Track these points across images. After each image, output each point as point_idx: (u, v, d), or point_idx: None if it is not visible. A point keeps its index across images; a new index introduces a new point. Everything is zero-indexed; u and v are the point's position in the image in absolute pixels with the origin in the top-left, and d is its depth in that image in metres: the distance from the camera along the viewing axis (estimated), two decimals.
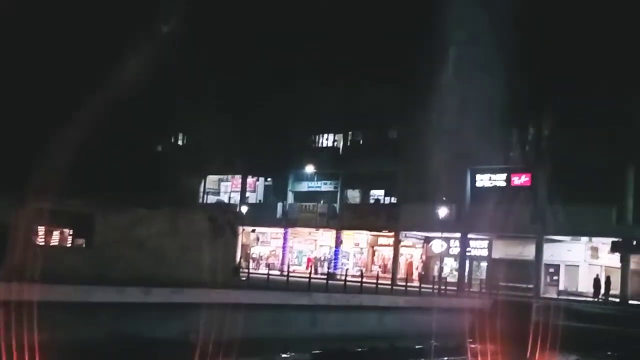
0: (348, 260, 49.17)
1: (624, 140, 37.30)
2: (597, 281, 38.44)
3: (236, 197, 53.49)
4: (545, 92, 39.08)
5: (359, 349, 23.84)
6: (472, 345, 21.79)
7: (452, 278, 41.73)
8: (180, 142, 57.35)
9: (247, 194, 53.87)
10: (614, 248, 38.07)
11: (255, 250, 53.31)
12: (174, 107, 45.42)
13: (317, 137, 52.89)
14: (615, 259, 38.44)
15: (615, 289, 37.73)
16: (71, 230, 26.65)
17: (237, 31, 45.33)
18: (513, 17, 34.39)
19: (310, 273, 34.52)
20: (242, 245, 48.37)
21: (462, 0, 38.79)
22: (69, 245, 27.09)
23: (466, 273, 43.26)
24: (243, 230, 46.37)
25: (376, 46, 43.61)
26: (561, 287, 40.36)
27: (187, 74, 42.32)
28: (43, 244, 26.15)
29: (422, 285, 35.10)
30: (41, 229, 26.46)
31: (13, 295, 17.59)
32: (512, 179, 41.66)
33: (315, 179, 51.02)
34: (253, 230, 51.98)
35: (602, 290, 38.06)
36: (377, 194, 49.27)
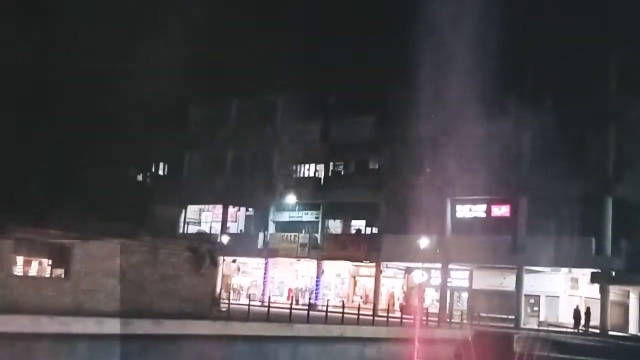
0: (329, 290, 49.02)
1: (602, 171, 37.77)
2: (577, 312, 38.57)
3: (217, 227, 53.28)
4: (523, 122, 39.59)
5: None
6: None
7: (434, 309, 41.68)
8: (161, 172, 57.21)
9: (228, 224, 53.69)
10: (594, 279, 38.30)
11: (236, 281, 52.97)
12: (155, 137, 45.34)
13: (298, 167, 53.01)
14: (595, 290, 38.65)
15: (596, 320, 37.86)
16: (50, 261, 26.31)
17: (219, 63, 45.52)
18: (491, 46, 34.81)
19: (291, 304, 34.31)
20: (223, 276, 48.08)
21: (440, 30, 39.23)
22: (47, 275, 26.73)
23: (447, 304, 43.25)
24: (224, 260, 46.16)
25: (355, 77, 43.96)
26: (542, 318, 40.44)
27: (168, 103, 42.39)
28: (21, 274, 25.84)
29: (404, 316, 35.03)
30: (19, 259, 26.14)
31: None
32: (492, 209, 41.97)
33: (297, 209, 51.01)
34: (234, 261, 51.68)
35: (583, 321, 38.17)
36: (359, 224, 49.31)
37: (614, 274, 37.78)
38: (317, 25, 47.63)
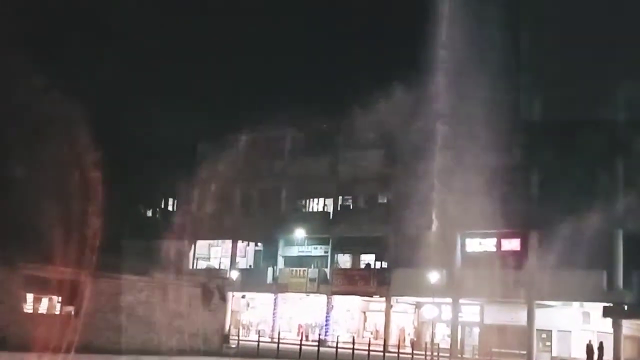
0: (339, 326, 48.66)
1: (612, 204, 37.62)
2: (589, 347, 38.12)
3: (226, 263, 53.21)
4: (533, 155, 39.63)
5: None
6: None
7: (445, 344, 41.30)
8: (170, 208, 57.36)
9: (238, 259, 53.60)
10: (606, 313, 37.92)
11: (245, 317, 52.72)
12: (165, 173, 45.61)
13: (307, 201, 53.05)
14: (607, 324, 38.25)
15: (609, 355, 37.42)
16: (60, 298, 26.34)
17: (229, 99, 45.94)
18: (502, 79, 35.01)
19: (301, 340, 34.11)
20: (232, 312, 47.91)
21: (449, 64, 39.53)
22: (57, 312, 26.73)
23: (458, 339, 42.86)
24: (233, 296, 46.04)
25: (363, 111, 44.20)
26: (554, 353, 40.01)
27: (178, 141, 42.71)
28: (31, 311, 25.86)
29: (415, 352, 34.74)
30: (30, 296, 26.19)
31: None
32: (502, 243, 41.77)
33: (306, 243, 50.91)
34: (243, 296, 51.54)
35: (595, 356, 37.73)
36: (368, 258, 49.13)
37: (626, 307, 37.42)
38: (325, 60, 48.09)
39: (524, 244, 40.65)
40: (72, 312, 25.41)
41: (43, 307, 26.87)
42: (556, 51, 37.37)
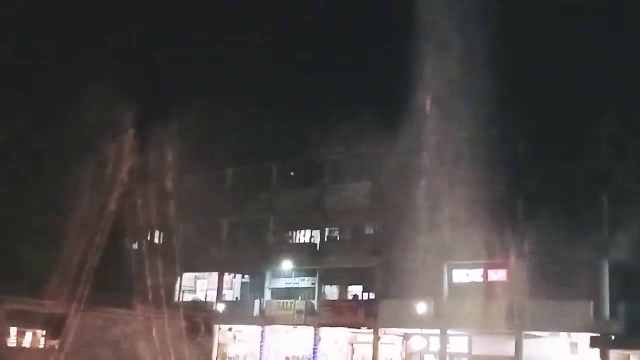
0: (327, 358, 48.35)
1: (597, 234, 37.85)
2: None
3: (213, 295, 52.90)
4: (517, 187, 39.89)
5: None
6: None
7: None
8: (157, 241, 57.08)
9: (224, 292, 53.30)
10: (593, 344, 37.90)
11: (232, 350, 52.29)
12: (151, 206, 45.42)
13: (294, 233, 53.02)
14: (595, 355, 38.21)
15: None
16: (44, 332, 26.13)
17: (213, 132, 46.00)
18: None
19: None
20: (219, 345, 47.56)
21: (431, 94, 39.86)
22: (41, 346, 26.49)
23: None
24: (220, 329, 45.73)
25: (349, 144, 44.46)
26: None
27: (163, 172, 42.68)
28: (15, 345, 25.61)
29: None
30: (13, 330, 25.96)
31: None
32: (489, 274, 41.80)
33: (293, 275, 50.75)
34: (230, 329, 51.17)
35: None
36: (356, 290, 49.01)
37: (613, 338, 37.41)
38: (311, 92, 48.46)
39: (510, 275, 40.68)
40: (56, 346, 25.21)
41: (27, 341, 26.65)
42: (541, 82, 37.90)
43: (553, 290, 35.82)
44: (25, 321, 24.67)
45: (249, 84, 48.54)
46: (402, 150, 40.56)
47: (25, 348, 26.33)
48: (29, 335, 27.60)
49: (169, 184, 45.65)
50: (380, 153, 43.70)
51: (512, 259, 39.90)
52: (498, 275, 41.47)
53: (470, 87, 34.82)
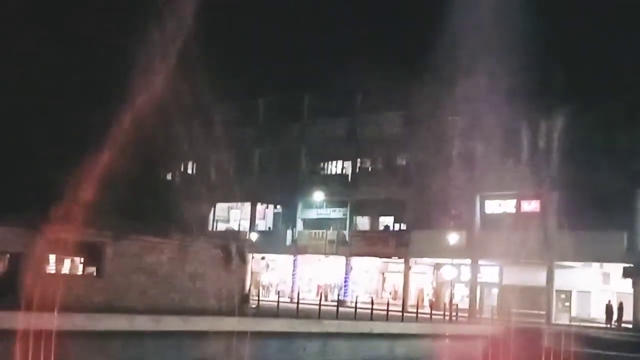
0: (358, 286, 49.01)
1: (633, 164, 37.28)
2: (609, 307, 38.15)
3: (246, 225, 53.57)
4: (553, 116, 39.21)
5: None
6: None
7: (463, 305, 41.50)
8: (190, 170, 57.57)
9: (257, 222, 53.94)
10: (626, 274, 37.82)
11: (265, 278, 53.24)
12: (184, 136, 45.64)
13: (325, 164, 53.07)
14: (627, 285, 38.18)
15: (628, 315, 37.43)
16: (82, 259, 26.70)
17: (245, 61, 45.72)
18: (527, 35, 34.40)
19: (320, 300, 34.39)
20: (252, 273, 48.35)
21: (467, 22, 38.93)
22: (79, 273, 27.13)
23: (477, 300, 43.03)
24: (253, 257, 46.37)
25: (383, 73, 43.84)
26: (573, 314, 40.06)
27: (197, 102, 42.63)
28: (54, 272, 26.23)
29: (433, 312, 34.95)
30: (52, 258, 26.55)
31: (24, 324, 17.64)
32: (522, 205, 41.64)
33: (325, 206, 51.07)
34: (263, 258, 51.98)
35: (615, 317, 37.76)
36: (387, 220, 49.25)
37: None
38: (342, 21, 47.61)
39: (543, 205, 40.47)
40: (94, 273, 25.79)
41: (65, 268, 27.26)
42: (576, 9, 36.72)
43: (586, 220, 35.56)
44: (64, 248, 25.15)
45: (282, 13, 47.82)
46: (435, 80, 39.92)
47: (64, 274, 26.98)
48: (67, 262, 28.27)
49: (202, 114, 45.69)
50: (413, 82, 43.11)
51: (545, 190, 39.62)
52: (531, 206, 41.31)
53: (504, 13, 33.89)
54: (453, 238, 40.74)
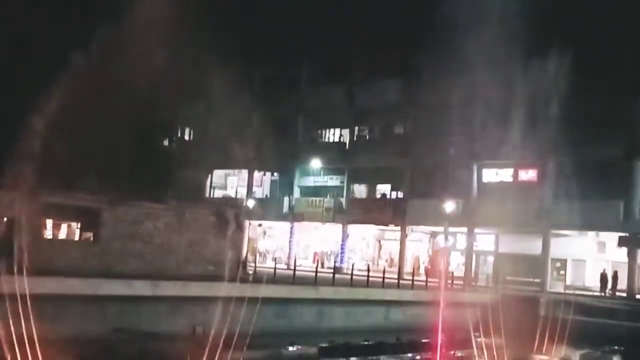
0: (355, 254, 49.22)
1: (631, 133, 37.23)
2: (603, 276, 38.39)
3: (243, 192, 53.58)
4: (551, 85, 39.00)
5: (366, 343, 23.87)
6: (479, 339, 21.77)
7: (459, 272, 41.72)
8: (187, 137, 57.43)
9: (254, 189, 53.94)
10: (621, 243, 37.99)
11: (261, 245, 53.42)
12: (181, 102, 45.44)
13: (323, 131, 52.93)
14: (622, 254, 38.37)
15: (623, 284, 37.67)
16: (79, 224, 26.75)
17: (244, 27, 45.31)
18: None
19: (316, 267, 34.54)
20: (249, 240, 48.45)
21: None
22: (76, 238, 27.20)
23: (473, 268, 43.25)
24: (250, 224, 46.46)
25: (381, 40, 43.50)
26: (568, 282, 40.30)
27: (193, 69, 42.37)
28: (51, 237, 26.28)
29: (429, 280, 35.14)
30: (49, 223, 26.58)
31: (21, 288, 17.67)
32: (519, 174, 41.64)
33: (322, 173, 51.05)
34: (260, 225, 52.09)
35: (609, 285, 38.01)
36: (384, 188, 49.28)
37: None
38: None
39: (541, 174, 40.49)
40: (91, 239, 25.85)
41: (62, 233, 27.31)
42: None
43: (583, 189, 35.58)
44: (61, 213, 25.18)
45: None
46: (434, 48, 39.62)
47: (60, 239, 27.03)
48: (64, 227, 28.31)
49: (200, 82, 45.43)
50: (412, 50, 42.83)
51: (543, 159, 39.60)
52: (528, 175, 41.34)
53: None
54: (450, 206, 40.78)
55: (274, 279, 29.16)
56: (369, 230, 49.52)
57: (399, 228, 46.33)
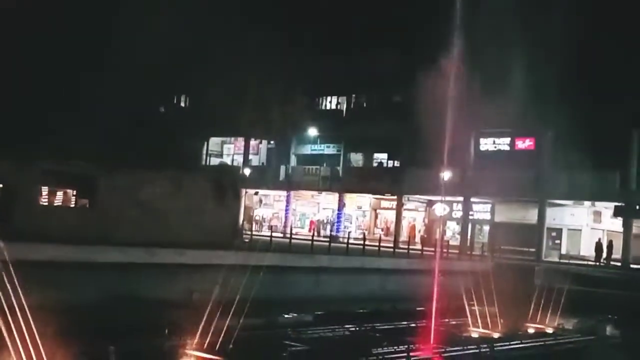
0: (351, 223, 49.31)
1: (629, 105, 37.10)
2: (599, 245, 38.55)
3: (239, 160, 53.50)
4: (549, 54, 38.77)
5: (361, 311, 23.98)
6: (473, 308, 21.88)
7: (455, 241, 41.86)
8: (183, 104, 57.17)
9: (250, 157, 53.83)
10: (617, 213, 38.12)
11: (258, 213, 53.46)
12: (178, 69, 45.15)
13: (320, 99, 52.64)
14: (618, 224, 38.52)
15: (618, 254, 37.84)
16: (75, 191, 26.63)
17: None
18: None
19: (313, 235, 34.57)
20: (245, 208, 48.51)
21: None
22: (72, 205, 27.10)
23: (468, 236, 43.37)
24: (246, 192, 46.46)
25: (381, 8, 43.16)
26: (563, 251, 40.51)
27: (191, 36, 42.05)
28: (47, 204, 26.21)
29: (424, 248, 35.23)
30: (45, 189, 26.49)
31: (17, 254, 17.63)
32: (516, 143, 41.60)
33: (318, 142, 50.93)
34: (256, 193, 52.09)
35: (604, 254, 38.18)
36: (381, 157, 49.22)
37: (637, 207, 37.53)
38: None
39: (538, 144, 40.43)
40: (87, 206, 25.75)
41: (58, 200, 27.22)
42: None
43: (580, 159, 35.57)
44: (56, 180, 25.04)
45: None
46: (433, 16, 39.27)
47: (56, 206, 26.95)
48: (59, 194, 28.22)
49: (198, 48, 45.09)
50: (411, 17, 42.44)
51: (540, 128, 39.53)
52: (525, 144, 41.28)
53: None
54: (446, 175, 40.72)
55: (270, 247, 29.17)
56: (365, 199, 49.55)
57: (395, 197, 46.36)
